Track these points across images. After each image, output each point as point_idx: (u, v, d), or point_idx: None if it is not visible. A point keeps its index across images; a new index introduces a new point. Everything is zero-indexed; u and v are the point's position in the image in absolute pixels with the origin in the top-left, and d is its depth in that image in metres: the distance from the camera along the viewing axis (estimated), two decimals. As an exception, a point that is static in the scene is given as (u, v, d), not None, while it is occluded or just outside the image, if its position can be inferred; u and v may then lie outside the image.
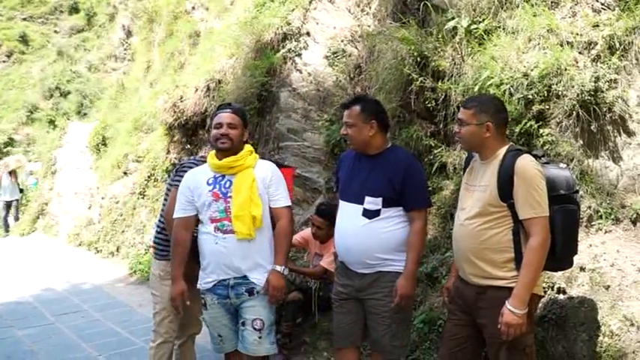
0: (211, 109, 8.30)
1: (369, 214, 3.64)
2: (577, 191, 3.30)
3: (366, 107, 3.71)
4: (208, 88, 8.51)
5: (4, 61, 21.32)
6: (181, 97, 8.95)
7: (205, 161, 4.10)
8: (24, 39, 21.88)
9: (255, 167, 3.74)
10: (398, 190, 3.60)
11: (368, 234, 3.63)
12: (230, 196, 3.63)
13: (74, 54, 21.69)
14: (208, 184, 3.71)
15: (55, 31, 22.85)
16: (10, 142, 17.84)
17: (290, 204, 3.86)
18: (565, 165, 3.39)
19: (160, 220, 4.34)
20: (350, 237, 3.71)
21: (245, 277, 3.63)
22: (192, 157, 4.48)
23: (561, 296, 4.03)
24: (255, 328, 3.63)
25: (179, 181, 4.01)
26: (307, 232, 5.57)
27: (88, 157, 14.48)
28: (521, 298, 3.03)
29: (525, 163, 3.10)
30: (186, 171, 4.04)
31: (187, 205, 3.75)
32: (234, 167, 3.68)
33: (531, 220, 3.04)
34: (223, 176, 3.70)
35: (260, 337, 3.64)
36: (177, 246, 3.79)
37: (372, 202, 3.64)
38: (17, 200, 17.01)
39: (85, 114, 19.38)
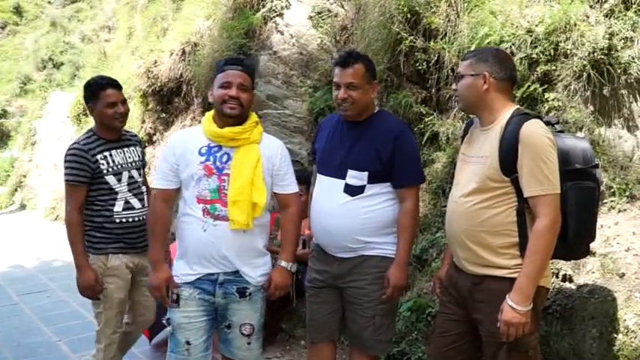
0: (187, 75, 7.82)
1: (352, 191, 3.17)
2: (596, 166, 2.82)
3: (370, 66, 3.23)
4: (184, 51, 7.94)
5: (-2, 33, 21.22)
6: (155, 62, 8.40)
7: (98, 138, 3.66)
8: (18, 10, 21.76)
9: (261, 143, 3.13)
10: (385, 163, 3.13)
11: (349, 213, 3.16)
12: (226, 174, 3.01)
13: (67, 25, 21.34)
14: (201, 154, 3.05)
15: (49, 2, 22.60)
16: (4, 114, 17.39)
17: (298, 190, 3.29)
18: (583, 135, 2.90)
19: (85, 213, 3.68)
20: (329, 217, 3.23)
21: (237, 272, 3.03)
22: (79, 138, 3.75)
23: (568, 285, 3.57)
24: (243, 334, 3.09)
25: (69, 170, 3.56)
26: None
27: (70, 128, 13.86)
28: (525, 292, 2.54)
29: (533, 129, 2.58)
30: (73, 154, 3.56)
31: (170, 175, 3.08)
32: (238, 140, 3.05)
33: (538, 198, 2.54)
34: (220, 147, 3.06)
35: (249, 343, 3.12)
36: (155, 223, 3.15)
37: (355, 177, 3.17)
38: None
39: (77, 85, 19.16)
